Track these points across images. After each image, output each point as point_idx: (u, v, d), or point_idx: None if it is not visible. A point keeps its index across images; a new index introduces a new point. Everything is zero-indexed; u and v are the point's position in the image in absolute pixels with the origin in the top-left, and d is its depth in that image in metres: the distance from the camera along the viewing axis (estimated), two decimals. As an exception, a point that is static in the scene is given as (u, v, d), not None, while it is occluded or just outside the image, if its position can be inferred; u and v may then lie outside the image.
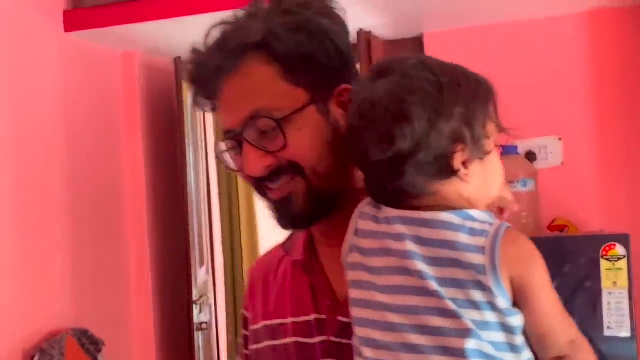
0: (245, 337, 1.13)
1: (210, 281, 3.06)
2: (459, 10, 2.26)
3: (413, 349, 0.78)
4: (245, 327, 1.13)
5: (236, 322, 3.85)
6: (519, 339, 0.79)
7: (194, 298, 2.54)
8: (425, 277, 0.78)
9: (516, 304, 0.79)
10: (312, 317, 0.98)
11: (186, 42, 0.98)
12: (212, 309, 3.06)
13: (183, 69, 0.89)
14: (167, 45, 2.45)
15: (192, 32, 2.33)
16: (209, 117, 3.68)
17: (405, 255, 0.80)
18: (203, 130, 3.05)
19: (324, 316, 0.97)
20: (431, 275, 0.78)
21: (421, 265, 0.78)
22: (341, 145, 0.91)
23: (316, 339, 0.97)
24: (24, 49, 2.03)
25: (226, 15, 0.96)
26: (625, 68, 2.28)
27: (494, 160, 0.86)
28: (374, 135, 0.81)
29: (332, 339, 0.95)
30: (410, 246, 0.80)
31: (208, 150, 3.34)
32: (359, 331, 0.83)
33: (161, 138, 2.66)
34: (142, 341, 2.51)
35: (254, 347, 1.08)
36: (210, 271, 3.10)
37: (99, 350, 2.11)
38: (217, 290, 3.41)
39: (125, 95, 2.52)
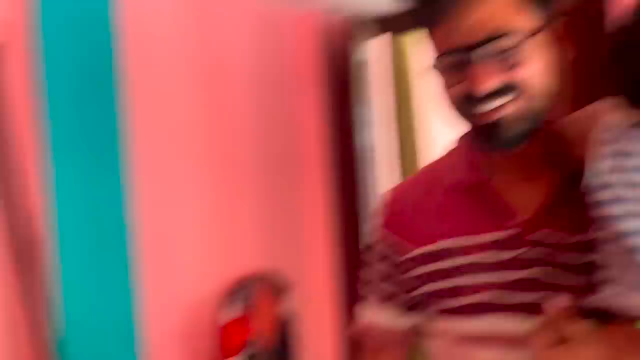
0: (396, 265, 1.17)
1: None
2: None
3: None
4: (398, 252, 1.16)
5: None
6: None
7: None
8: None
9: None
10: (501, 233, 1.04)
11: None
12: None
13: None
14: (346, 4, 2.49)
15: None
16: (388, 75, 3.68)
17: None
18: (384, 90, 3.07)
19: (509, 232, 1.03)
20: None
21: None
22: (561, 78, 1.00)
23: (505, 255, 1.03)
24: (211, 17, 2.16)
25: None
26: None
27: None
28: None
29: (524, 252, 1.02)
30: None
31: (389, 110, 3.35)
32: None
33: (340, 98, 2.73)
34: (326, 285, 2.60)
35: (418, 271, 1.13)
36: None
37: (287, 293, 2.21)
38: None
39: (305, 56, 2.60)
